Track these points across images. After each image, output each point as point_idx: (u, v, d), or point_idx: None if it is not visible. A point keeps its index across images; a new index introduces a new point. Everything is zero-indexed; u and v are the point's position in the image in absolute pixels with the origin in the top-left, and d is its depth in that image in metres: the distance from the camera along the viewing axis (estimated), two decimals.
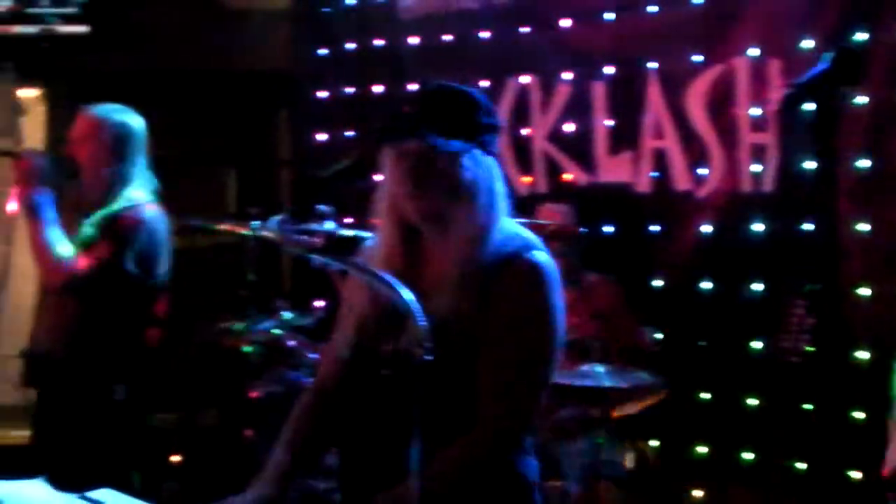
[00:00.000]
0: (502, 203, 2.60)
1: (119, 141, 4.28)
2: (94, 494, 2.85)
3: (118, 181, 4.26)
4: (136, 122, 4.37)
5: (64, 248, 4.12)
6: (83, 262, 4.13)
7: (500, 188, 2.59)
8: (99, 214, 4.18)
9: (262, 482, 2.71)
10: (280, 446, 2.76)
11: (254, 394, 4.86)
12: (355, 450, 2.73)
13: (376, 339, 2.60)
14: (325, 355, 2.91)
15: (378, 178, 2.62)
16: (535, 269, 2.55)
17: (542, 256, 2.58)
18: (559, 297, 2.56)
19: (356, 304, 2.65)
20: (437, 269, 2.52)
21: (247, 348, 5.12)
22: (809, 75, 4.18)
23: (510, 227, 2.63)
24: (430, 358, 1.98)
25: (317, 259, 2.32)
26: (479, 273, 2.51)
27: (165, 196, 7.74)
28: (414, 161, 2.52)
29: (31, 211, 4.10)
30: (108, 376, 4.28)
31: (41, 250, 4.12)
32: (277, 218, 2.21)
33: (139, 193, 4.29)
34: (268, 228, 2.12)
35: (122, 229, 4.19)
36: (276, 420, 4.79)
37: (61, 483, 2.92)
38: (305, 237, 2.27)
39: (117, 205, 4.22)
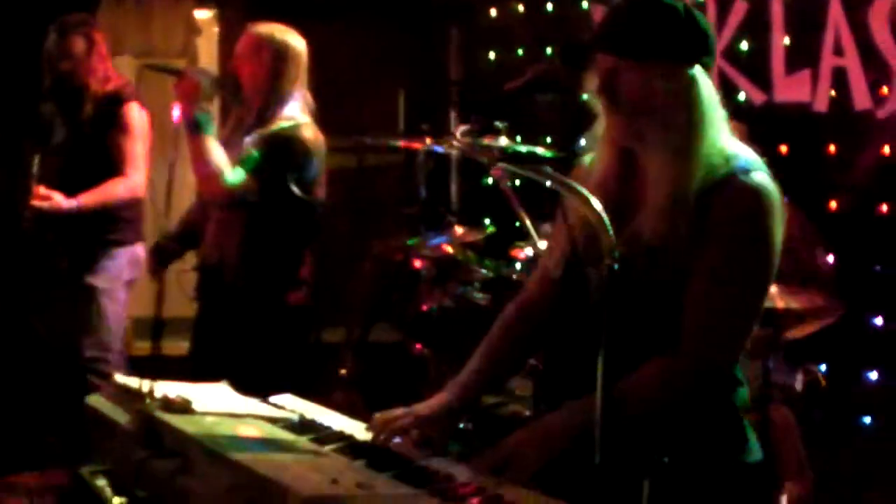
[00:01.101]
0: (711, 118, 2.47)
1: (279, 60, 4.36)
2: (276, 399, 2.97)
3: (277, 100, 4.35)
4: (297, 41, 4.44)
5: (224, 165, 4.23)
6: (244, 180, 4.24)
7: (706, 102, 2.46)
8: (260, 133, 4.29)
9: (450, 389, 2.71)
10: (475, 357, 2.74)
11: (425, 308, 4.94)
12: (558, 366, 2.72)
13: (585, 258, 2.51)
14: (536, 271, 2.89)
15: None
16: (753, 193, 2.41)
17: (760, 178, 2.43)
18: (779, 223, 2.43)
19: (571, 222, 2.52)
20: (649, 192, 2.44)
21: (418, 263, 5.21)
22: None
23: (728, 145, 2.49)
24: (616, 268, 1.97)
25: (510, 169, 2.34)
26: (691, 195, 2.40)
27: (335, 115, 7.84)
28: (604, 78, 2.46)
29: (192, 128, 4.20)
30: (276, 291, 4.43)
31: (202, 167, 4.23)
32: (463, 128, 2.23)
33: (298, 113, 4.37)
34: (457, 139, 2.15)
35: (282, 149, 4.30)
36: (447, 334, 4.90)
37: (243, 386, 3.05)
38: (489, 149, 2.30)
39: (277, 124, 4.32)
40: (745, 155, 2.49)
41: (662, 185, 2.42)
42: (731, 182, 2.42)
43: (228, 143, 4.36)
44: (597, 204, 2.05)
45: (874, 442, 4.92)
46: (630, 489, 2.03)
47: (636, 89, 2.43)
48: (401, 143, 4.70)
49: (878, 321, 4.87)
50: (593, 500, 2.03)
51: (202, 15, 7.53)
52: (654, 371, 2.39)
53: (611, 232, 1.99)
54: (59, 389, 5.39)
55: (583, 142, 2.71)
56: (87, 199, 5.01)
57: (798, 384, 4.67)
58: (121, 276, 5.20)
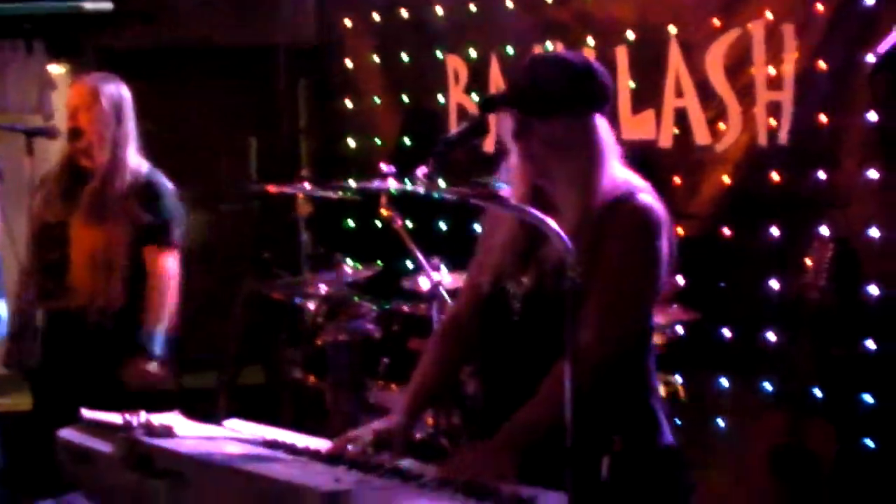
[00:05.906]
0: (607, 155, 2.83)
1: (118, 108, 4.59)
2: (228, 423, 3.20)
3: (123, 145, 4.58)
4: (125, 89, 4.67)
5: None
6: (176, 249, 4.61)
7: (602, 142, 2.82)
8: (130, 184, 4.56)
9: (400, 407, 2.98)
10: (415, 376, 3.03)
11: (319, 342, 5.18)
12: (492, 382, 2.99)
13: (512, 275, 2.85)
14: (462, 289, 3.17)
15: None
16: (638, 211, 2.78)
17: (646, 199, 2.81)
18: (663, 239, 2.80)
19: (497, 243, 2.88)
20: (558, 221, 2.63)
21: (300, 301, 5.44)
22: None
23: (620, 174, 2.86)
24: (580, 282, 2.33)
25: (475, 203, 2.67)
26: (591, 220, 2.75)
27: (190, 164, 8.00)
28: (517, 128, 2.80)
29: None
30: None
31: None
32: (419, 172, 2.56)
33: (140, 158, 4.65)
34: (415, 182, 2.46)
35: (164, 195, 4.63)
36: (341, 368, 5.15)
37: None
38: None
39: (139, 171, 4.60)
40: (632, 180, 2.87)
41: (570, 213, 2.76)
42: (621, 204, 2.77)
43: (71, 191, 4.55)
44: (555, 225, 2.39)
45: (727, 442, 5.35)
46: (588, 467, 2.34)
47: (544, 139, 2.79)
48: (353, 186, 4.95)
49: (727, 332, 5.29)
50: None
51: (56, 70, 7.61)
52: (550, 378, 2.67)
53: (571, 248, 2.33)
54: None
55: (497, 179, 3.00)
56: None
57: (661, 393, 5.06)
58: None
